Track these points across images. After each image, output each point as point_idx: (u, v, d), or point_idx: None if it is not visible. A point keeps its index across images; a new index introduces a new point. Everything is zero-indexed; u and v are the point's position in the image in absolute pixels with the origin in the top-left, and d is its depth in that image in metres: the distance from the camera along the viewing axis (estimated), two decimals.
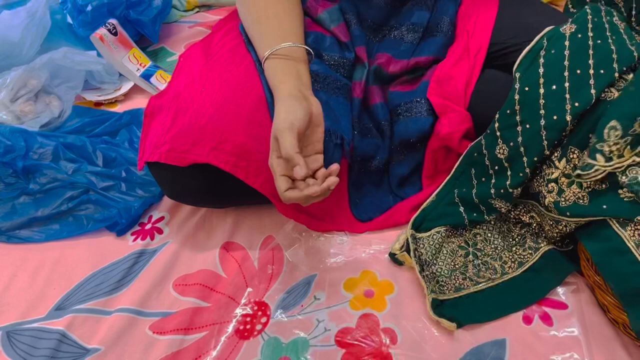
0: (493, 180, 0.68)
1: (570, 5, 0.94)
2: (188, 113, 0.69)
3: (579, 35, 0.62)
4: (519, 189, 0.66)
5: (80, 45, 1.17)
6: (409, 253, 0.71)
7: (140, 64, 1.14)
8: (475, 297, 0.69)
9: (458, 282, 0.70)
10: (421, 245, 0.72)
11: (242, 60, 0.74)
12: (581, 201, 0.61)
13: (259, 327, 0.67)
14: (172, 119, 0.70)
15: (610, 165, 0.57)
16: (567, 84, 0.60)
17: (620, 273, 0.57)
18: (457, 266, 0.72)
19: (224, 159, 0.66)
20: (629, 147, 0.57)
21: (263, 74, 0.71)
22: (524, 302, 0.68)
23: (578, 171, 0.60)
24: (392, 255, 0.73)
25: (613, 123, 0.57)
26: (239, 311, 0.69)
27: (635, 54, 0.60)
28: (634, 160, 0.57)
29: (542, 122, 0.62)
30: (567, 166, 0.62)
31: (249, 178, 0.68)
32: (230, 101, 0.68)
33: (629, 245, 0.57)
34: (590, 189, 0.61)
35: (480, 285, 0.70)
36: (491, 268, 0.71)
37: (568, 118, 0.60)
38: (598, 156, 0.57)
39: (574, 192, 0.62)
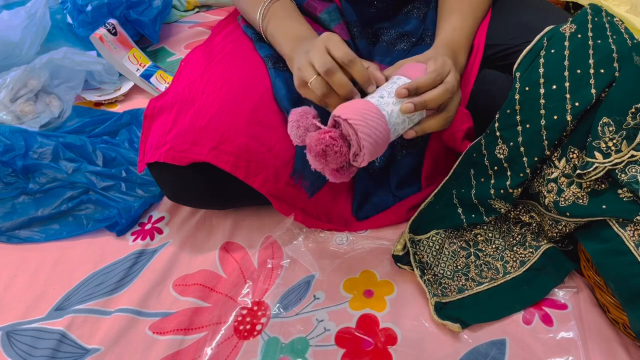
0: (492, 181, 0.68)
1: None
2: (189, 114, 0.69)
3: (579, 35, 0.62)
4: (519, 190, 0.66)
5: (80, 45, 1.17)
6: (409, 255, 0.72)
7: (140, 64, 1.14)
8: (479, 298, 0.69)
9: (461, 282, 0.70)
10: (421, 248, 0.72)
11: (243, 61, 0.74)
12: (580, 201, 0.61)
13: (258, 327, 0.67)
14: (173, 121, 0.70)
15: (609, 162, 0.57)
16: (567, 84, 0.60)
17: (620, 274, 0.57)
18: (459, 267, 0.72)
19: (224, 159, 0.66)
20: (625, 141, 0.57)
21: (272, 69, 0.71)
22: (526, 301, 0.68)
23: (578, 171, 0.60)
24: (395, 258, 0.73)
25: (605, 119, 0.57)
26: (238, 311, 0.69)
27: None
28: (632, 155, 0.57)
29: (543, 121, 0.62)
30: (567, 166, 0.62)
31: (249, 178, 0.68)
32: (231, 101, 0.69)
33: (629, 245, 0.57)
34: (589, 189, 0.61)
35: (483, 285, 0.70)
36: (493, 268, 0.71)
37: (568, 118, 0.60)
38: (596, 154, 0.58)
39: (573, 192, 0.62)
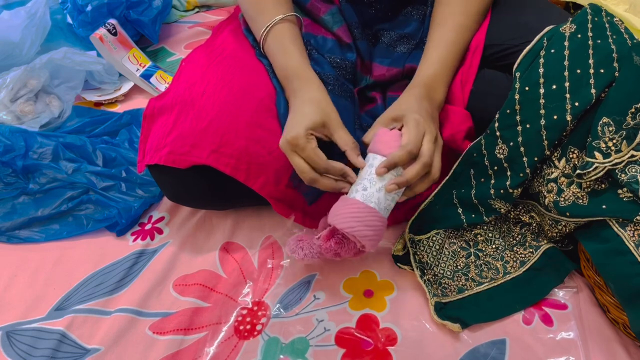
0: (493, 181, 0.68)
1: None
2: (189, 116, 0.69)
3: (579, 35, 0.62)
4: (519, 190, 0.66)
5: (80, 45, 1.17)
6: (409, 255, 0.72)
7: (140, 64, 1.14)
8: (479, 298, 0.69)
9: (461, 282, 0.70)
10: (421, 248, 0.72)
11: (244, 63, 0.74)
12: (580, 201, 0.61)
13: (258, 327, 0.67)
14: (173, 122, 0.70)
15: (609, 162, 0.57)
16: (567, 84, 0.60)
17: (621, 274, 0.57)
18: (459, 267, 0.72)
19: (224, 162, 0.66)
20: (625, 141, 0.57)
21: (275, 78, 0.71)
22: (526, 301, 0.68)
23: (578, 171, 0.60)
24: (395, 258, 0.73)
25: (605, 119, 0.57)
26: (238, 311, 0.69)
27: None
28: (632, 155, 0.57)
29: (543, 121, 0.62)
30: (567, 166, 0.62)
31: (249, 180, 0.68)
32: (231, 104, 0.69)
33: (629, 245, 0.57)
34: (589, 189, 0.61)
35: (483, 285, 0.70)
36: (493, 268, 0.71)
37: (568, 118, 0.60)
38: (596, 154, 0.58)
39: (573, 192, 0.62)
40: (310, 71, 0.69)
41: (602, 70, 0.59)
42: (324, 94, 0.67)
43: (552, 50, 0.63)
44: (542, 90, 0.62)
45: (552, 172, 0.64)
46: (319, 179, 0.62)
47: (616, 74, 0.59)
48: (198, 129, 0.67)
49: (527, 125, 0.63)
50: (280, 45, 0.71)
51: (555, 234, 0.69)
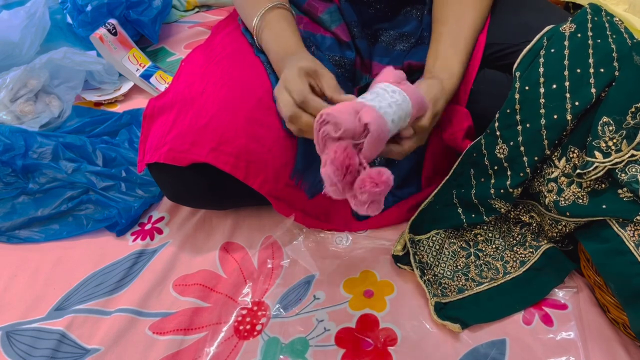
0: (493, 180, 0.68)
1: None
2: (189, 114, 0.69)
3: (579, 35, 0.62)
4: (519, 189, 0.66)
5: (80, 45, 1.17)
6: (409, 255, 0.72)
7: (140, 64, 1.14)
8: (479, 298, 0.69)
9: (461, 283, 0.70)
10: (421, 248, 0.72)
11: (243, 62, 0.74)
12: (581, 201, 0.61)
13: (258, 327, 0.67)
14: (173, 121, 0.70)
15: (609, 161, 0.57)
16: (567, 83, 0.60)
17: (621, 274, 0.57)
18: (459, 267, 0.72)
19: (224, 159, 0.66)
20: (625, 140, 0.57)
21: (272, 74, 0.71)
22: (526, 302, 0.68)
23: (578, 170, 0.60)
24: (395, 258, 0.73)
25: (605, 119, 0.57)
26: (238, 311, 0.69)
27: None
28: (632, 155, 0.57)
29: (543, 121, 0.62)
30: (567, 165, 0.62)
31: (249, 178, 0.68)
32: (231, 102, 0.69)
33: (629, 245, 0.57)
34: (589, 189, 0.61)
35: (483, 285, 0.70)
36: (493, 268, 0.71)
37: (568, 117, 0.60)
38: (596, 153, 0.58)
39: (573, 192, 0.62)
40: (304, 47, 0.69)
41: (602, 70, 0.59)
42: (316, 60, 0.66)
43: (552, 50, 0.62)
44: (542, 90, 0.62)
45: (552, 172, 0.64)
46: (301, 115, 0.59)
47: (616, 73, 0.59)
48: (198, 126, 0.67)
49: (527, 125, 0.63)
50: (273, 31, 0.70)
51: (555, 234, 0.69)
